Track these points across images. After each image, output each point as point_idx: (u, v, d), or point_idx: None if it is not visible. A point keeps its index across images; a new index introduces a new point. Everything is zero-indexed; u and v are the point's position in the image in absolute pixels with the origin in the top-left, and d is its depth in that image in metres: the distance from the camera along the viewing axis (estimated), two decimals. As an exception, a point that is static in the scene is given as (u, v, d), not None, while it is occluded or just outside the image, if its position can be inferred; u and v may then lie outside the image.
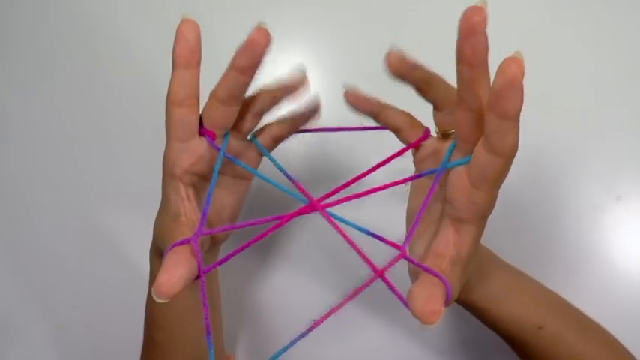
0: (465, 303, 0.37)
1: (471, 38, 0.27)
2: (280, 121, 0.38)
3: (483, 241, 0.33)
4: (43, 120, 0.58)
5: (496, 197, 0.30)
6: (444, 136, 0.34)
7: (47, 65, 0.59)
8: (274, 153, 0.39)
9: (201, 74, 0.35)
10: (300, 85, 0.36)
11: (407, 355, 0.50)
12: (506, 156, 0.27)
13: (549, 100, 0.53)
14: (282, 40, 0.58)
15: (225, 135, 0.36)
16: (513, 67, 0.26)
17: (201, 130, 0.35)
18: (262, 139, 0.38)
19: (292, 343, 0.31)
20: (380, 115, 0.36)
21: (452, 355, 0.50)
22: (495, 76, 0.26)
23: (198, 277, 0.32)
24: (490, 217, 0.31)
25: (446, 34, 0.56)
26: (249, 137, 0.38)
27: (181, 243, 0.32)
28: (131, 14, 0.59)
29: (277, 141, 0.39)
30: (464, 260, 0.31)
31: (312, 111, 0.38)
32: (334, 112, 0.56)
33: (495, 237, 0.38)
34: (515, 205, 0.50)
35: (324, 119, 0.55)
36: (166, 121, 0.34)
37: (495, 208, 0.31)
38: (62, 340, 0.54)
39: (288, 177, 0.36)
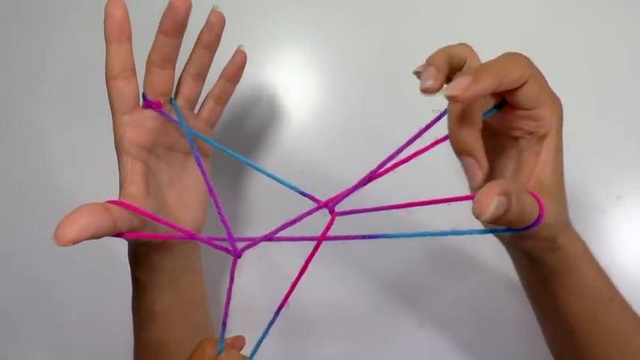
0: (557, 264, 0.34)
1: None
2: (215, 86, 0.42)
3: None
4: (43, 120, 0.58)
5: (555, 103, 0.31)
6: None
7: (47, 65, 0.59)
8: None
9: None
10: (218, 24, 0.39)
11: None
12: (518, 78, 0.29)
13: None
14: (282, 40, 0.58)
15: (172, 101, 0.38)
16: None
17: (146, 103, 0.36)
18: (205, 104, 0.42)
19: (267, 329, 0.32)
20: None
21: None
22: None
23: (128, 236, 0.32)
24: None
25: (445, 35, 0.56)
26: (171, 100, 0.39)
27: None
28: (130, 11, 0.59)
29: (218, 103, 0.42)
30: (554, 176, 0.31)
31: (238, 60, 0.41)
32: (335, 112, 0.56)
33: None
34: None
35: (325, 119, 0.56)
36: (108, 96, 0.36)
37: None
38: (62, 340, 0.54)
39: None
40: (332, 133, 0.55)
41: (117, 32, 0.34)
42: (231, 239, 0.31)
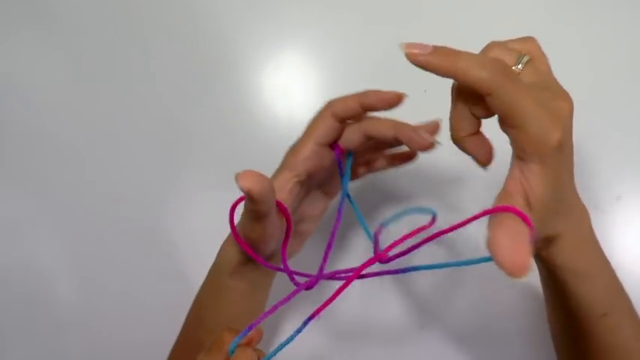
0: (553, 273, 0.35)
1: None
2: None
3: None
4: (43, 119, 0.58)
5: (536, 130, 0.28)
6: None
7: (47, 64, 0.59)
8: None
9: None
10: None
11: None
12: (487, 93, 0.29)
13: (549, 100, 0.53)
14: (284, 40, 0.58)
15: (349, 154, 0.40)
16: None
17: (335, 145, 0.39)
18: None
19: (292, 336, 0.33)
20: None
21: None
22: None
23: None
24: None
25: (448, 35, 0.56)
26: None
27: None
28: (130, 11, 0.59)
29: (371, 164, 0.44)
30: (536, 203, 0.29)
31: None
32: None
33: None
34: (515, 205, 0.50)
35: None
36: (314, 120, 0.39)
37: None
38: (62, 340, 0.53)
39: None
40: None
41: (379, 104, 0.38)
42: (319, 276, 0.37)
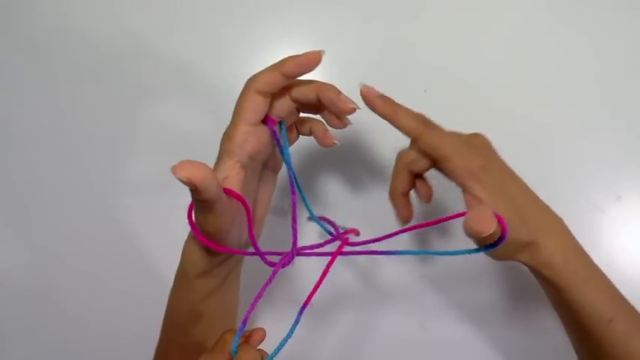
0: (551, 281, 0.38)
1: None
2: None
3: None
4: (43, 120, 0.58)
5: (460, 157, 0.37)
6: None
7: (47, 64, 0.59)
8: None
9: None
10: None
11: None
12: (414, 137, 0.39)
13: (550, 100, 0.53)
14: (283, 40, 0.58)
15: (280, 123, 0.39)
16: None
17: (268, 118, 0.37)
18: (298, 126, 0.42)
19: (291, 331, 0.33)
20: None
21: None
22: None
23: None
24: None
25: (445, 33, 0.57)
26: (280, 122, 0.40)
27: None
28: (130, 11, 0.59)
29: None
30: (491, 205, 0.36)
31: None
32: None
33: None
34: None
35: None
36: (240, 102, 0.37)
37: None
38: (62, 340, 0.54)
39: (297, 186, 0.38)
40: (332, 133, 0.55)
41: (294, 69, 0.36)
42: (294, 250, 0.36)
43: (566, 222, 0.52)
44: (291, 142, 0.42)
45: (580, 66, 0.54)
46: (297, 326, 0.34)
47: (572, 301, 0.37)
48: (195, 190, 0.31)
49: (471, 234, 0.32)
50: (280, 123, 0.39)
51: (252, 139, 0.37)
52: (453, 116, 0.39)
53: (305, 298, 0.34)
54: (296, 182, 0.38)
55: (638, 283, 0.49)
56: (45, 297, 0.54)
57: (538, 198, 0.39)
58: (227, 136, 0.37)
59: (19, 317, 0.54)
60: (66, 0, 0.59)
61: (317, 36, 0.57)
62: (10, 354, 0.54)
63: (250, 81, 0.37)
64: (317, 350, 0.50)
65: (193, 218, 0.35)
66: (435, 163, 0.39)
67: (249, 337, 0.35)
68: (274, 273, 0.35)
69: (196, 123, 0.56)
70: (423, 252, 0.38)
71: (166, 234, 0.54)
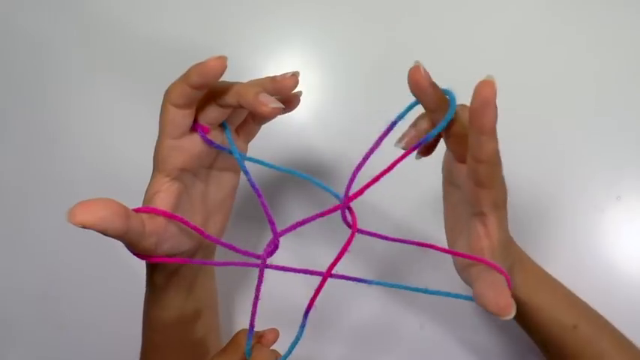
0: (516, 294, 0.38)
1: (484, 110, 0.29)
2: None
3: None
4: (43, 119, 0.58)
5: (500, 189, 0.33)
6: None
7: (47, 65, 0.59)
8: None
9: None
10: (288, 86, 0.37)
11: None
12: (488, 162, 0.31)
13: (550, 100, 0.53)
14: (283, 40, 0.58)
15: (224, 125, 0.37)
16: (487, 89, 0.29)
17: (196, 126, 0.36)
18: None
19: (300, 333, 0.33)
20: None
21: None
22: (472, 97, 0.29)
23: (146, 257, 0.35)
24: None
25: (444, 33, 0.57)
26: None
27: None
28: (129, 11, 0.59)
29: (258, 122, 0.40)
30: (496, 246, 0.34)
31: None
32: (335, 112, 0.56)
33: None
34: (515, 205, 0.50)
35: (325, 119, 0.56)
36: (160, 116, 0.35)
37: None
38: (63, 340, 0.54)
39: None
40: (332, 134, 0.55)
41: (201, 79, 0.33)
42: (274, 235, 0.34)
43: (567, 222, 0.52)
44: (251, 137, 0.41)
45: (580, 66, 0.54)
46: (305, 329, 0.34)
47: (536, 312, 0.38)
48: (97, 231, 0.31)
49: (487, 310, 0.31)
50: (224, 125, 0.37)
51: (177, 152, 0.35)
52: (452, 116, 0.39)
53: (304, 299, 0.34)
54: (249, 179, 0.35)
55: (638, 283, 0.49)
56: (45, 297, 0.54)
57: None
58: (154, 152, 0.36)
59: (19, 317, 0.54)
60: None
61: (317, 36, 0.57)
62: (10, 354, 0.54)
63: (165, 94, 0.35)
64: (317, 350, 0.50)
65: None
66: (476, 183, 0.33)
67: (262, 338, 0.35)
68: (262, 266, 0.34)
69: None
70: (418, 290, 0.38)
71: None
